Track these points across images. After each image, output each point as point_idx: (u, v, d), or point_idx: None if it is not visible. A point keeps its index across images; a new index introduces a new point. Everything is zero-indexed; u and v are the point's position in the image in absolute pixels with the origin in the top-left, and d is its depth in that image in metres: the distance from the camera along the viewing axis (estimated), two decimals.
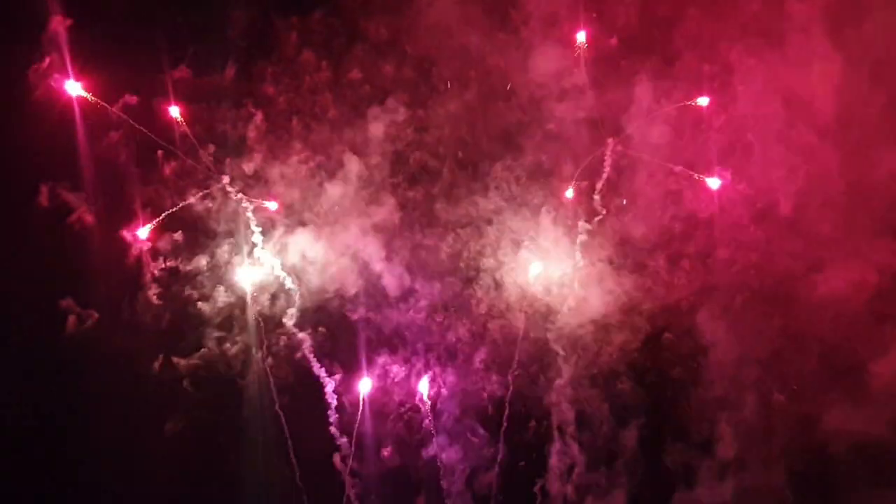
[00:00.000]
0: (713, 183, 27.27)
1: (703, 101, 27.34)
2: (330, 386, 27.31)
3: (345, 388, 27.49)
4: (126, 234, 26.45)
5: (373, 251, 27.64)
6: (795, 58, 26.48)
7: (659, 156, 27.43)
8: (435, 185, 28.06)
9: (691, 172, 27.41)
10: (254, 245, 27.18)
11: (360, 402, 27.35)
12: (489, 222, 27.96)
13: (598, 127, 27.53)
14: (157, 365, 26.47)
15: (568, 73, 27.45)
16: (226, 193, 27.07)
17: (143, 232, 26.52)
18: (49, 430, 25.66)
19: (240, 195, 27.08)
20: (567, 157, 27.77)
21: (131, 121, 26.20)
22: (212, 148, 27.11)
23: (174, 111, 26.63)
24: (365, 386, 27.45)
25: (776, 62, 26.68)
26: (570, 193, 28.01)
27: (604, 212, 27.69)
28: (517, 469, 27.89)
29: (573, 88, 27.50)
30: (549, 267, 27.84)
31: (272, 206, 27.33)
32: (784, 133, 26.78)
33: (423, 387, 27.75)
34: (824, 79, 26.02)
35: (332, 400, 27.25)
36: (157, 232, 26.75)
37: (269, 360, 27.13)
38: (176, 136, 26.76)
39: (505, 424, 27.72)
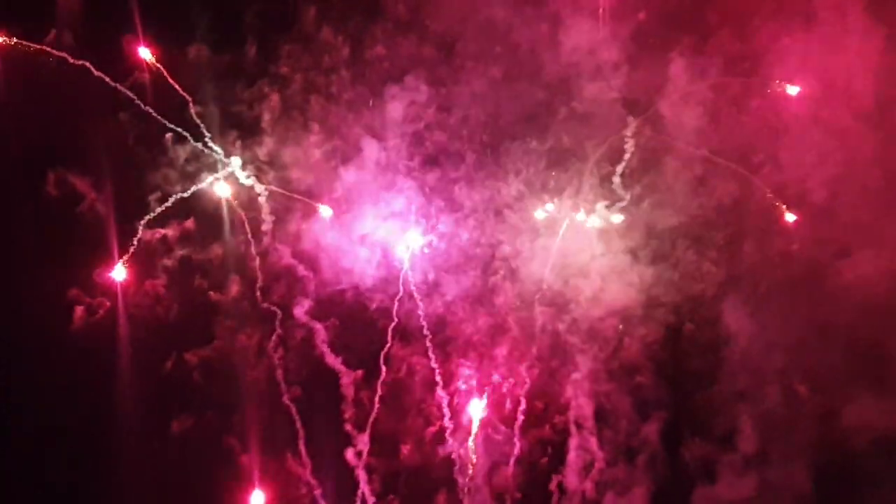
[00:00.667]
0: (789, 217, 26.72)
1: (794, 90, 26.31)
2: (346, 378, 26.50)
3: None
4: (100, 274, 25.38)
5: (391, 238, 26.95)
6: (832, 37, 25.74)
7: (689, 139, 26.62)
8: (457, 168, 27.28)
9: (777, 203, 26.80)
10: (266, 232, 26.43)
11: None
12: (510, 207, 27.18)
13: (625, 107, 26.70)
14: (166, 356, 25.83)
15: (598, 48, 26.46)
16: (238, 179, 26.27)
17: (119, 272, 25.43)
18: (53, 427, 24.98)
19: (252, 178, 26.32)
20: (595, 139, 26.93)
21: (137, 99, 25.55)
22: (225, 130, 26.30)
23: (145, 53, 25.54)
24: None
25: (812, 42, 25.95)
26: None
27: (627, 197, 26.86)
28: (535, 465, 27.05)
29: (603, 65, 26.58)
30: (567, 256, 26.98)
31: (326, 210, 26.61)
32: (819, 116, 26.12)
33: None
34: (863, 60, 25.38)
35: (348, 392, 26.48)
36: (167, 220, 26.09)
37: (280, 350, 26.38)
38: (186, 119, 25.92)
39: (521, 419, 26.89)
